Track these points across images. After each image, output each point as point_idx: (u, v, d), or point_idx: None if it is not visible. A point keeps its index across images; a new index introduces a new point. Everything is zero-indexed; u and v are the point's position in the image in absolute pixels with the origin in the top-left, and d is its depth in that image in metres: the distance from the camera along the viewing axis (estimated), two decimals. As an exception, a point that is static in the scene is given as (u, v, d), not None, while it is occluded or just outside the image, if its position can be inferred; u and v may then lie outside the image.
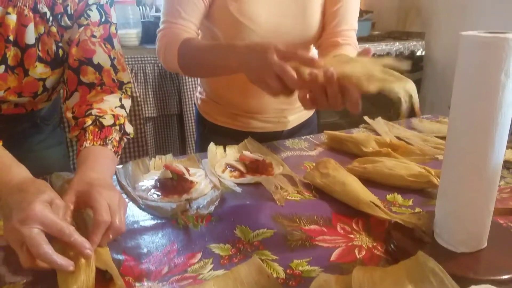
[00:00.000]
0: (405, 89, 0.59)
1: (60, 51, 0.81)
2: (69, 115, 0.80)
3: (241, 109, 1.10)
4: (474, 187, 0.54)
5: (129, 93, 0.86)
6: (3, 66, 0.76)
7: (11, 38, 0.75)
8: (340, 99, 0.62)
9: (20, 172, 0.59)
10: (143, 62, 2.04)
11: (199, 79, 1.22)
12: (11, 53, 0.76)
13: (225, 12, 0.95)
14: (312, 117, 1.26)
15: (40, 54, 0.79)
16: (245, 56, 0.70)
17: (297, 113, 1.18)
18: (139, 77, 2.02)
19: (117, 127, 0.78)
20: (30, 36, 0.76)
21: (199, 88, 1.20)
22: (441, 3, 2.47)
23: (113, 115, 0.79)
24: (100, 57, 0.81)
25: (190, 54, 0.86)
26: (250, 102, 1.08)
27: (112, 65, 0.83)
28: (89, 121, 0.76)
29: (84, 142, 0.73)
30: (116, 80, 0.83)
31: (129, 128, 0.81)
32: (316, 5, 1.01)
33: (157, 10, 2.42)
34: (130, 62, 1.99)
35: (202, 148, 1.13)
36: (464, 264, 0.54)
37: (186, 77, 2.06)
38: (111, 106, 0.81)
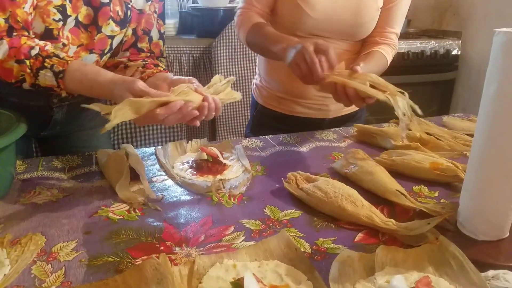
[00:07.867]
0: (402, 105, 0.76)
1: (129, 12, 0.90)
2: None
3: (286, 93, 1.17)
4: (498, 182, 0.56)
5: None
6: (73, 21, 0.82)
7: None
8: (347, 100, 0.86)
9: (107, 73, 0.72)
10: (179, 52, 2.10)
11: (257, 68, 1.31)
12: (83, 11, 0.83)
13: None
14: (360, 111, 1.27)
15: (112, 14, 0.87)
16: (290, 44, 0.89)
17: (339, 103, 1.20)
18: (174, 67, 2.09)
19: None
20: None
21: (256, 74, 1.29)
22: (479, 3, 2.42)
23: None
24: (154, 31, 0.97)
25: (256, 36, 1.07)
26: (294, 85, 1.13)
27: (162, 38, 0.96)
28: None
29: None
30: (161, 51, 0.98)
31: None
32: (371, 3, 1.05)
33: (194, 2, 2.47)
34: (166, 52, 2.05)
35: (252, 128, 1.27)
36: (484, 251, 0.56)
37: (219, 68, 2.11)
38: None
